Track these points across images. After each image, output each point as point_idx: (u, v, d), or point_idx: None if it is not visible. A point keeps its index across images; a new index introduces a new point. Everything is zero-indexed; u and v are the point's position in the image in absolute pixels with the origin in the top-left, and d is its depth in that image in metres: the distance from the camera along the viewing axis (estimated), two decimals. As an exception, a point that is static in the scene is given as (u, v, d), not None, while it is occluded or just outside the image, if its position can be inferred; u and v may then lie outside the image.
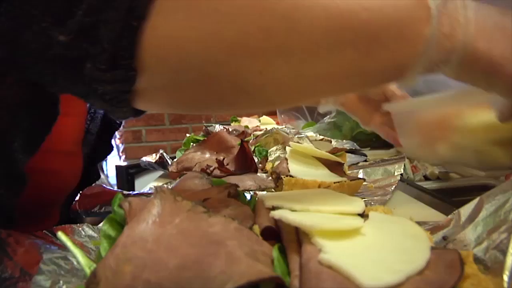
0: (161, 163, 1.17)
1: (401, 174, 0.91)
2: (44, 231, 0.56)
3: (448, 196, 0.83)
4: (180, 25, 0.39)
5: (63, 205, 0.83)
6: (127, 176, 2.80)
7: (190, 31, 0.39)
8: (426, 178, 1.20)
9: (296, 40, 0.41)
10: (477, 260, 0.38)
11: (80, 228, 0.61)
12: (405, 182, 0.96)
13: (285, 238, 0.41)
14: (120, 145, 3.42)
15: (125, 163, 2.23)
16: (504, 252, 0.37)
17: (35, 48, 0.40)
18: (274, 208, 0.45)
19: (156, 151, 1.22)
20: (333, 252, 0.35)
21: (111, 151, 0.97)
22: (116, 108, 0.44)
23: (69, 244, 0.43)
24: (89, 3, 0.36)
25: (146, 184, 1.92)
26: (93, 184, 0.90)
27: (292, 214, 0.40)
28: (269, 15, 0.40)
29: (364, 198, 0.79)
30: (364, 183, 0.85)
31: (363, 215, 0.46)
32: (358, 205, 0.47)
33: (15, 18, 0.39)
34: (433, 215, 0.72)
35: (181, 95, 0.46)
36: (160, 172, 1.29)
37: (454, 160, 0.78)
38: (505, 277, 0.35)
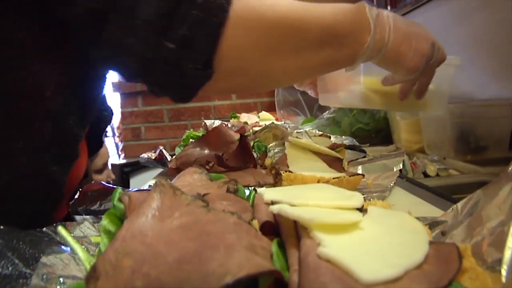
0: (160, 160, 1.17)
1: (400, 170, 0.91)
2: (44, 228, 0.57)
3: (447, 193, 0.84)
4: (243, 40, 0.63)
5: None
6: (121, 174, 2.81)
7: (249, 44, 0.64)
8: (425, 175, 1.20)
9: (302, 43, 0.68)
10: (475, 254, 0.38)
11: (80, 225, 0.61)
12: (404, 179, 0.96)
13: (284, 233, 0.41)
14: (119, 143, 3.42)
15: (119, 162, 2.23)
16: (502, 246, 0.37)
17: (140, 50, 0.58)
18: (273, 203, 0.45)
19: (155, 149, 1.22)
20: (332, 246, 0.35)
21: (101, 147, 1.02)
22: (188, 95, 0.66)
23: (69, 239, 0.44)
24: (190, 22, 0.57)
25: (142, 183, 1.92)
26: (93, 182, 0.90)
27: (291, 208, 0.40)
28: (291, 28, 0.66)
29: (363, 194, 0.78)
30: (363, 179, 0.85)
31: (362, 210, 0.46)
32: (356, 199, 0.47)
33: (122, 27, 0.56)
34: (432, 211, 0.72)
35: (233, 83, 0.69)
36: (158, 171, 1.29)
37: (347, 102, 1.14)
38: (503, 271, 0.35)
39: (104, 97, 1.01)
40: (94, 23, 0.56)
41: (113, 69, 0.67)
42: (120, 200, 0.43)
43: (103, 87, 0.80)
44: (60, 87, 0.65)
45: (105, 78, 0.78)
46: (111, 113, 1.03)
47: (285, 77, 0.76)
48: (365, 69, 0.95)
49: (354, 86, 1.00)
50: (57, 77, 0.64)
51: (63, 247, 0.52)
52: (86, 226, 0.62)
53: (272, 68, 0.69)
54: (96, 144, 1.00)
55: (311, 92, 1.26)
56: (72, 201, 0.86)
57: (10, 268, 0.44)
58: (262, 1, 0.64)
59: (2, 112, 0.61)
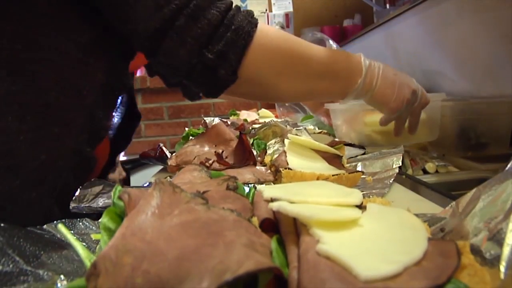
0: (160, 157, 1.17)
1: (400, 167, 0.91)
2: (44, 225, 0.57)
3: (446, 189, 0.84)
4: (260, 59, 0.84)
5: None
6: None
7: (264, 63, 0.85)
8: (424, 171, 1.20)
9: (306, 73, 0.90)
10: (474, 251, 0.38)
11: (80, 222, 0.62)
12: (404, 175, 0.96)
13: (283, 230, 0.41)
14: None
15: (120, 159, 2.23)
16: (501, 243, 0.37)
17: (188, 58, 0.79)
18: (272, 200, 0.45)
19: (155, 146, 1.22)
20: (331, 242, 0.35)
21: (128, 145, 1.22)
22: (217, 92, 0.88)
23: (69, 236, 0.44)
24: (225, 41, 0.79)
25: (142, 180, 1.92)
26: (93, 179, 0.90)
27: (291, 206, 0.40)
28: (298, 59, 0.88)
29: (363, 191, 0.79)
30: (363, 176, 0.85)
31: (361, 207, 0.46)
32: (356, 196, 0.47)
33: (177, 41, 0.77)
34: (431, 208, 0.72)
35: (250, 90, 0.91)
36: (158, 168, 1.29)
37: (356, 139, 1.31)
38: (502, 268, 0.35)
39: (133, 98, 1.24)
40: (155, 37, 0.77)
41: (163, 72, 0.97)
42: (119, 197, 0.43)
43: (125, 91, 1.05)
44: (95, 88, 0.83)
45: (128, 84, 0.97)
46: (139, 115, 1.25)
47: (288, 95, 0.95)
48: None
49: (362, 128, 1.29)
50: (94, 80, 0.83)
51: (63, 244, 0.52)
52: (86, 223, 0.62)
53: (280, 84, 0.89)
54: (124, 142, 1.21)
55: (324, 120, 1.67)
56: (73, 198, 0.86)
57: (10, 265, 0.44)
58: (279, 34, 0.87)
59: (43, 104, 0.75)
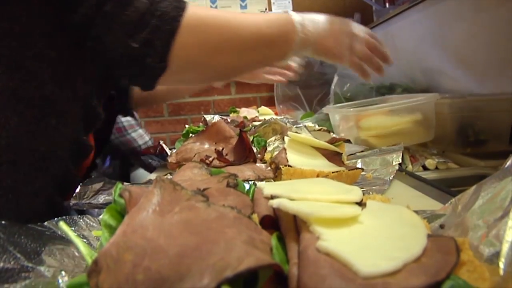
0: (160, 155, 1.18)
1: (400, 164, 0.91)
2: (45, 222, 0.57)
3: (446, 186, 0.84)
4: (191, 43, 0.81)
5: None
6: (122, 168, 2.80)
7: (195, 46, 0.82)
8: (424, 168, 1.21)
9: (240, 47, 0.87)
10: (473, 247, 0.38)
11: (81, 219, 0.62)
12: (404, 172, 0.96)
13: (283, 227, 0.41)
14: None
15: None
16: (500, 240, 0.37)
17: (112, 47, 0.77)
18: (272, 197, 0.45)
19: (155, 143, 1.22)
20: (331, 239, 0.36)
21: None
22: (149, 83, 0.85)
23: (70, 234, 0.44)
24: (150, 28, 0.76)
25: (142, 177, 1.93)
26: (93, 176, 0.91)
27: (291, 203, 0.41)
28: (230, 35, 0.85)
29: (363, 188, 0.79)
30: (363, 172, 0.86)
31: (361, 204, 0.46)
32: (355, 193, 0.47)
33: (103, 27, 0.76)
34: (431, 205, 0.72)
35: (185, 76, 0.91)
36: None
37: (357, 143, 1.32)
38: (501, 264, 0.35)
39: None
40: (84, 23, 0.76)
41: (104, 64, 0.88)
42: (120, 195, 0.43)
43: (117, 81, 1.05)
44: (88, 79, 0.85)
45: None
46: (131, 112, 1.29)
47: (226, 72, 0.97)
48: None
49: (357, 133, 1.32)
50: (88, 72, 0.85)
51: (64, 241, 0.53)
52: (87, 220, 0.62)
53: (216, 65, 0.88)
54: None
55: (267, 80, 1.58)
56: (74, 195, 0.86)
57: (12, 262, 0.44)
58: (209, 13, 0.84)
59: (39, 97, 0.77)
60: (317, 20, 0.95)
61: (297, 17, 0.92)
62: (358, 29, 1.02)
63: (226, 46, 0.86)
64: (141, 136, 2.04)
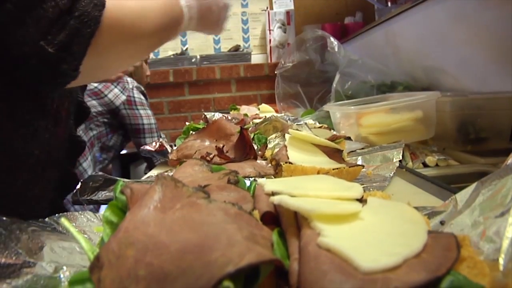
0: (161, 152, 1.18)
1: (400, 161, 0.91)
2: (46, 218, 0.57)
3: (446, 183, 0.84)
4: (107, 47, 0.74)
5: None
6: (122, 165, 2.80)
7: (111, 51, 0.76)
8: (424, 165, 1.21)
9: (145, 44, 0.86)
10: (473, 244, 0.38)
11: (82, 215, 0.62)
12: (404, 169, 0.96)
13: (284, 223, 0.41)
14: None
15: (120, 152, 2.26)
16: (500, 236, 0.37)
17: (20, 44, 0.66)
18: (273, 194, 0.45)
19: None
20: (332, 235, 0.36)
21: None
22: (55, 88, 0.79)
23: (72, 229, 0.44)
24: (68, 30, 0.66)
25: (142, 174, 1.92)
26: (94, 173, 0.91)
27: (292, 199, 0.41)
28: (142, 30, 0.81)
29: (363, 185, 0.79)
30: (363, 169, 0.86)
31: (362, 200, 0.46)
32: (356, 190, 0.47)
33: (13, 16, 0.64)
34: (431, 201, 0.72)
35: (93, 78, 0.92)
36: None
37: (358, 140, 1.28)
38: (501, 260, 0.35)
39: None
40: None
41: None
42: (122, 192, 0.44)
43: None
44: None
45: None
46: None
47: (132, 62, 1.01)
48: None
49: (358, 130, 1.31)
50: None
51: (65, 237, 0.53)
52: (88, 216, 0.62)
53: (122, 66, 0.91)
54: None
55: None
56: (74, 191, 0.87)
57: (13, 258, 0.44)
58: (124, 8, 0.77)
59: (25, 98, 0.75)
60: (201, 3, 0.97)
61: (184, 2, 0.93)
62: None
63: (134, 48, 0.84)
64: (148, 117, 2.05)
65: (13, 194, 0.76)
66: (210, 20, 1.00)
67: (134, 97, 2.01)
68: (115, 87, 2.00)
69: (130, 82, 2.06)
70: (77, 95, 0.92)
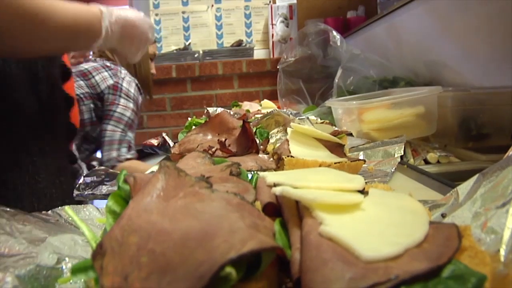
0: (163, 147, 1.18)
1: (401, 157, 0.91)
2: (49, 211, 0.58)
3: (448, 180, 0.84)
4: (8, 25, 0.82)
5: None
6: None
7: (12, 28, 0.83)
8: (426, 162, 1.21)
9: (50, 34, 0.90)
10: (474, 234, 0.39)
11: (84, 209, 0.62)
12: (405, 165, 0.96)
13: (286, 213, 0.42)
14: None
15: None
16: (501, 227, 0.37)
17: None
18: (275, 185, 0.46)
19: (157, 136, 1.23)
20: (334, 224, 0.36)
21: None
22: None
23: (75, 218, 0.44)
24: None
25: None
26: (96, 168, 0.91)
27: (294, 189, 0.41)
28: (46, 16, 0.86)
29: (364, 180, 0.79)
30: (364, 165, 0.86)
31: (363, 192, 0.46)
32: (358, 182, 0.47)
33: None
34: (433, 196, 0.72)
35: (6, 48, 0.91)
36: (161, 158, 1.29)
37: (357, 137, 1.27)
38: (502, 251, 0.35)
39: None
40: None
41: None
42: (125, 181, 0.44)
43: None
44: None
45: None
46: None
47: (45, 47, 0.96)
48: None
49: (359, 126, 1.32)
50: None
51: (68, 229, 0.53)
52: (90, 209, 0.63)
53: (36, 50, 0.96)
54: None
55: None
56: (77, 186, 0.87)
57: (17, 248, 0.45)
58: (33, 6, 0.84)
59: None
60: (122, 24, 1.05)
61: (106, 21, 1.01)
62: (151, 33, 1.17)
63: (38, 33, 0.89)
64: (125, 107, 1.99)
65: (34, 194, 0.91)
66: (128, 46, 1.09)
67: (122, 85, 1.97)
68: (106, 71, 1.99)
69: (124, 72, 2.04)
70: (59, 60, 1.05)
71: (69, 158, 1.16)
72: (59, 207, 0.58)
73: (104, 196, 0.87)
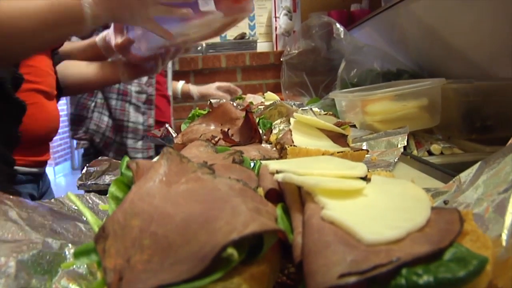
0: (166, 138, 1.18)
1: (405, 148, 0.91)
2: (52, 199, 0.58)
3: (451, 170, 0.84)
4: None
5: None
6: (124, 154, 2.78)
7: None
8: (429, 153, 1.21)
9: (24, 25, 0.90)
10: (476, 219, 0.39)
11: (87, 197, 0.63)
12: (408, 156, 0.96)
13: (288, 199, 0.42)
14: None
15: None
16: (503, 212, 0.37)
17: None
18: (278, 173, 0.46)
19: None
20: (336, 209, 0.36)
21: None
22: None
23: (78, 203, 0.45)
24: None
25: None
26: (99, 158, 0.91)
27: (296, 176, 0.41)
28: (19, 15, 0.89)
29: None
30: (367, 155, 0.86)
31: (366, 179, 0.46)
32: (360, 169, 0.47)
33: None
34: (435, 185, 0.72)
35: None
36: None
37: (363, 128, 1.30)
38: (504, 236, 0.35)
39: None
40: None
41: None
42: (128, 167, 0.44)
43: None
44: None
45: None
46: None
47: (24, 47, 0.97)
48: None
49: (363, 118, 1.32)
50: None
51: (70, 216, 0.53)
52: (93, 197, 0.63)
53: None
54: None
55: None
56: (80, 176, 0.87)
57: (20, 234, 0.45)
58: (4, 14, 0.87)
59: None
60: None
61: (88, 10, 0.96)
62: None
63: (19, 38, 0.92)
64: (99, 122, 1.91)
65: None
66: (121, 15, 1.02)
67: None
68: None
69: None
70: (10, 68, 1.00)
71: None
72: (62, 195, 0.59)
73: (107, 186, 0.87)
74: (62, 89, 1.42)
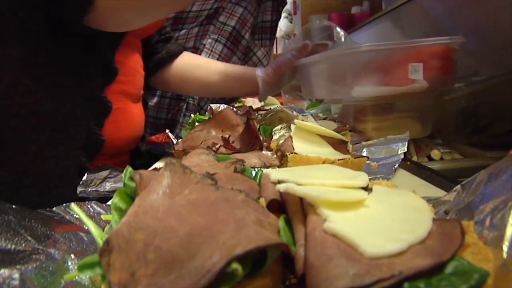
0: (166, 144, 1.18)
1: (405, 154, 0.92)
2: (54, 208, 0.58)
3: (451, 176, 0.84)
4: None
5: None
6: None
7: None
8: (429, 158, 1.21)
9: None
10: (477, 231, 0.39)
11: (88, 206, 0.63)
12: (408, 162, 0.96)
13: (290, 210, 0.42)
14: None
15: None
16: (504, 223, 0.38)
17: None
18: (279, 182, 0.46)
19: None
20: (338, 221, 0.36)
21: None
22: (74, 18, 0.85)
23: (81, 215, 0.45)
24: None
25: (148, 167, 1.91)
26: (100, 164, 0.91)
27: (298, 186, 0.41)
28: None
29: (368, 176, 0.79)
30: (368, 161, 0.86)
31: (367, 189, 0.47)
32: (362, 179, 0.48)
33: None
34: (436, 193, 0.72)
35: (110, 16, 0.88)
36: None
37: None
38: (505, 248, 0.36)
39: None
40: None
41: None
42: (131, 178, 0.44)
43: None
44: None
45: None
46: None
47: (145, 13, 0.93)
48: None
49: (355, 125, 1.28)
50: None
51: (73, 226, 0.54)
52: (94, 206, 0.63)
53: (144, 16, 0.92)
54: None
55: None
56: (80, 182, 0.87)
57: (23, 245, 0.45)
58: None
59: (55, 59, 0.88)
60: None
61: None
62: None
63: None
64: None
65: (35, 152, 0.86)
66: None
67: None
68: None
69: None
70: (106, 55, 0.98)
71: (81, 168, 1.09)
72: (63, 204, 0.59)
73: (108, 193, 0.87)
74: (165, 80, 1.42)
